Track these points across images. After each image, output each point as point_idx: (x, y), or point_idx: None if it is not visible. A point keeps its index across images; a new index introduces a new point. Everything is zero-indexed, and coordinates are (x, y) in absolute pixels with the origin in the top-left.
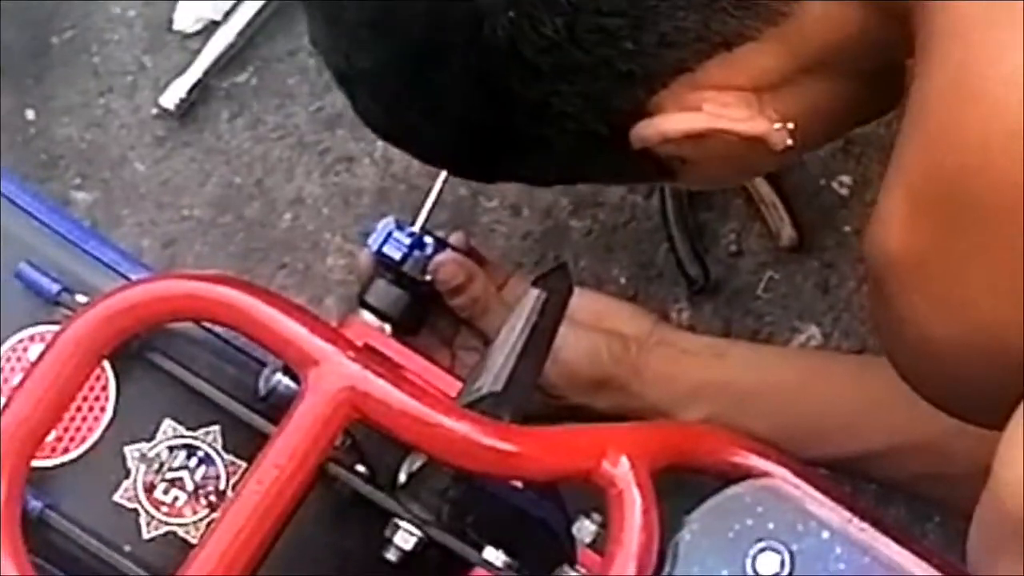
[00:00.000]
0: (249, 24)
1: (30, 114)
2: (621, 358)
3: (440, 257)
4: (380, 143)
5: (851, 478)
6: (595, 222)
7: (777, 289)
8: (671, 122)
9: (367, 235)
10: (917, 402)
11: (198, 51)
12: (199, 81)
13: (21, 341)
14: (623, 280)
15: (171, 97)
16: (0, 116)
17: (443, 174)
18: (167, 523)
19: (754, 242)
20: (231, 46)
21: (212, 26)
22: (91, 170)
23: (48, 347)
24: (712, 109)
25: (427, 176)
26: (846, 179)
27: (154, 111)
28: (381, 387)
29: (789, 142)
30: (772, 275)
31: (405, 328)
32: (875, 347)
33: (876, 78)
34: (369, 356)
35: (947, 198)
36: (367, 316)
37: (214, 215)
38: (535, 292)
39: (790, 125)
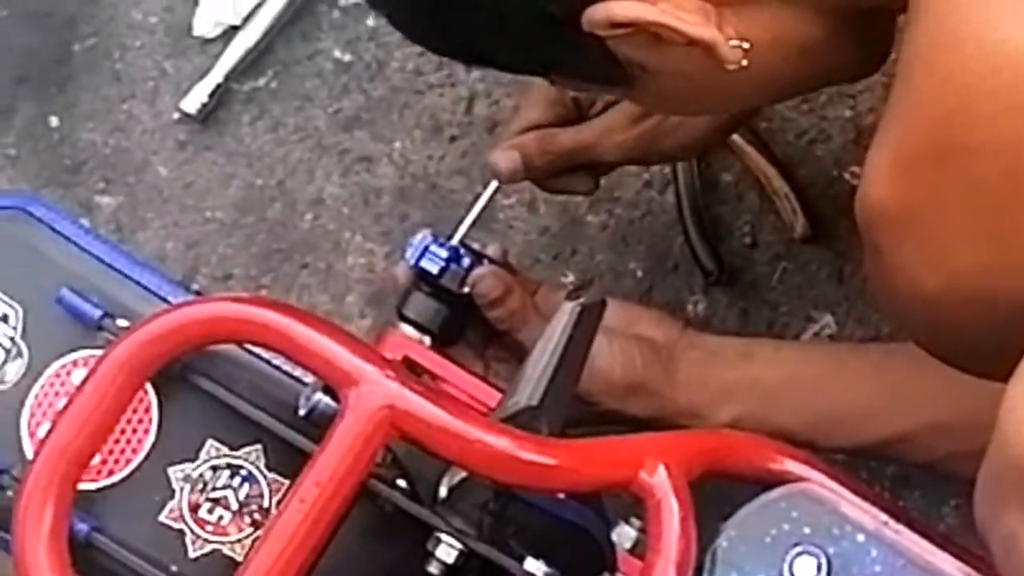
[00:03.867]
0: (268, 29)
1: (54, 121)
2: (652, 363)
3: (479, 270)
4: (398, 143)
5: (878, 463)
6: (611, 216)
7: (791, 279)
8: (621, 8)
9: (388, 235)
10: (942, 382)
11: (218, 56)
12: (220, 85)
13: (64, 366)
14: (640, 273)
15: (192, 102)
16: (25, 123)
17: (489, 190)
18: (212, 542)
19: (768, 234)
20: (251, 50)
21: (231, 31)
22: (115, 175)
23: (91, 372)
24: (666, 7)
25: (445, 175)
26: (858, 170)
27: (176, 115)
28: (420, 405)
29: (744, 63)
30: (786, 266)
31: (444, 340)
32: (888, 333)
33: (853, 25)
34: (408, 374)
35: (932, 144)
36: (406, 329)
37: (236, 217)
38: (569, 305)
39: (745, 44)
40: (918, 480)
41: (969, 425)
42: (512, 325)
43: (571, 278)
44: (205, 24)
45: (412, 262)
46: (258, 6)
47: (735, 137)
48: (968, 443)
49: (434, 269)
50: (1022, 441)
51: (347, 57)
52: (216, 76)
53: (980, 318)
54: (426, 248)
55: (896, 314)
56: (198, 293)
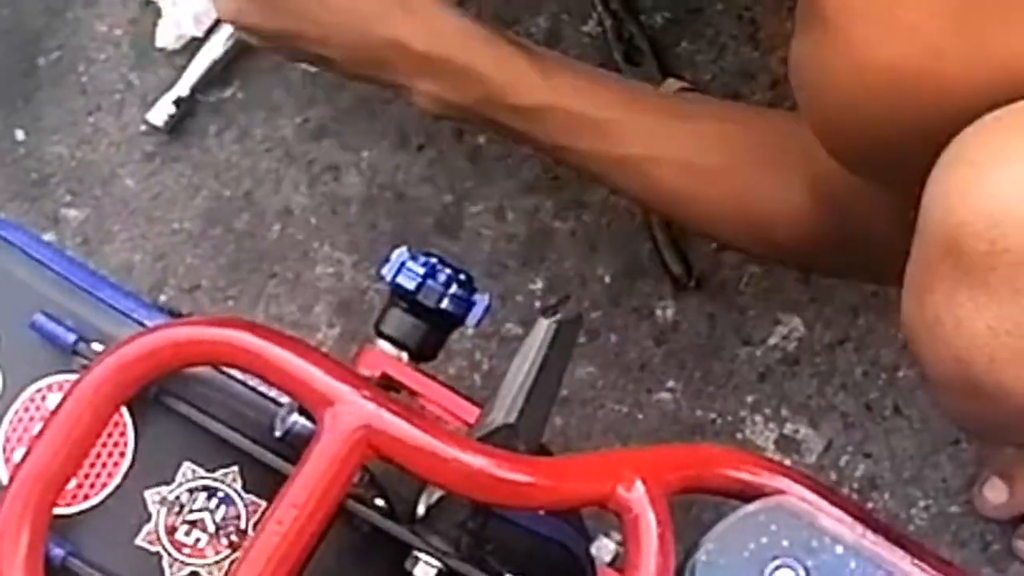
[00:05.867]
0: (235, 39)
1: (20, 134)
2: None
3: None
4: (366, 153)
5: (847, 466)
6: (579, 223)
7: (759, 283)
8: None
9: (356, 244)
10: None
11: (184, 67)
12: (186, 97)
13: (39, 391)
14: (608, 279)
15: (159, 113)
16: None
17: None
18: (190, 564)
19: None
20: (217, 61)
21: (195, 42)
22: (81, 187)
23: (66, 396)
24: None
25: (413, 184)
26: None
27: (142, 127)
28: (396, 425)
29: None
30: (753, 270)
31: (421, 355)
32: (856, 336)
33: None
34: (384, 393)
35: None
36: (384, 345)
37: (204, 228)
38: (545, 323)
39: None
40: (886, 482)
41: (697, 166)
42: None
43: (539, 285)
44: (167, 36)
45: (389, 278)
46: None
47: None
48: (694, 186)
49: (411, 285)
50: (945, 209)
51: (313, 67)
52: (182, 87)
53: (922, 103)
54: (402, 264)
55: (826, 102)
56: (173, 314)
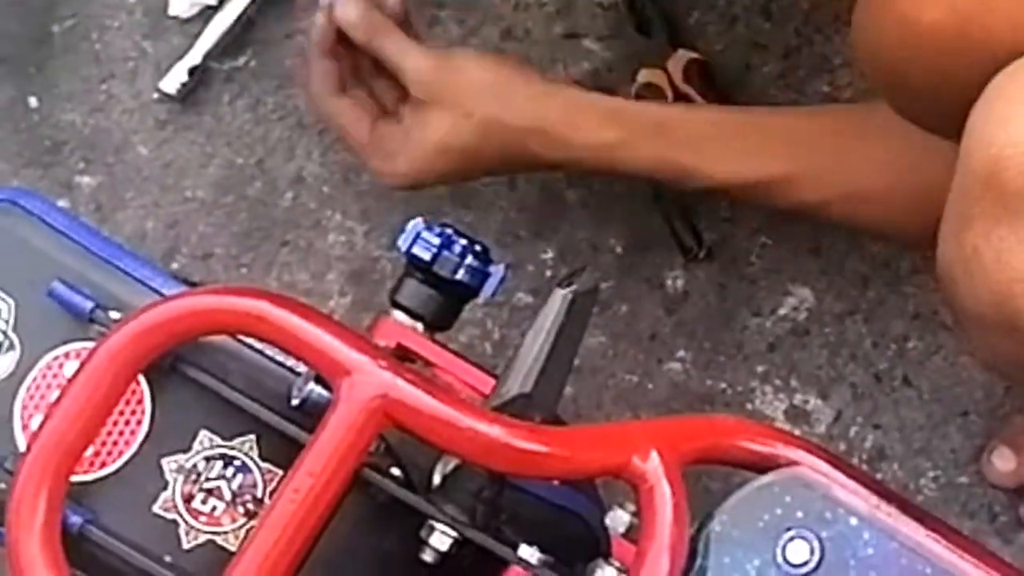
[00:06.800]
0: (247, 8)
1: (33, 101)
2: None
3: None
4: None
5: (856, 436)
6: (590, 193)
7: (769, 255)
8: None
9: (368, 213)
10: (815, 129)
11: (197, 35)
12: (199, 65)
13: (56, 359)
14: (619, 249)
15: (172, 81)
16: (4, 104)
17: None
18: (206, 532)
19: (746, 209)
20: (230, 30)
21: (209, 10)
22: (95, 155)
23: (83, 364)
24: None
25: None
26: None
27: (155, 95)
28: (413, 394)
29: None
30: (764, 241)
31: (437, 325)
32: (866, 307)
33: None
34: (400, 363)
35: None
36: (399, 315)
37: (217, 196)
38: (561, 293)
39: None
40: (895, 453)
41: (843, 168)
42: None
43: (551, 255)
44: (181, 4)
45: (404, 249)
46: None
47: None
48: (844, 186)
49: (426, 256)
50: (986, 143)
51: None
52: (195, 56)
53: (965, 61)
54: (418, 235)
55: (878, 57)
56: (189, 283)
